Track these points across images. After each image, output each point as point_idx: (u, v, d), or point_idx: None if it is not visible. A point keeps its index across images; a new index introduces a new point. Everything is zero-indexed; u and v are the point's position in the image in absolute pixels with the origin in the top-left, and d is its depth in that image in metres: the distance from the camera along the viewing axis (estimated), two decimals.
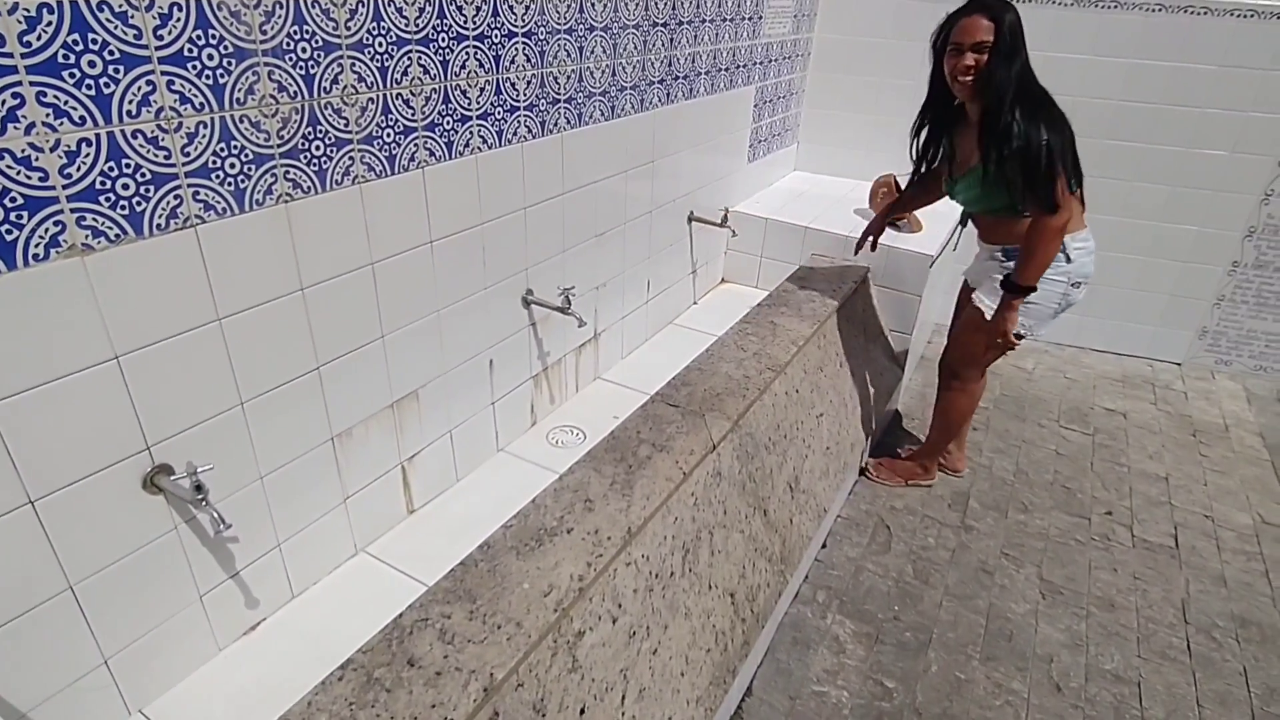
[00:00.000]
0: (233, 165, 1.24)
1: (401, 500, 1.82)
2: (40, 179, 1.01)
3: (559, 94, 1.96)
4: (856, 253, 2.66)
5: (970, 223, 2.38)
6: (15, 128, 0.97)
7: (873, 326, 2.95)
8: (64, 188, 1.04)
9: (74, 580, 1.19)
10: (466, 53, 1.62)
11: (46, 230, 1.03)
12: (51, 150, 1.01)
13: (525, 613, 1.30)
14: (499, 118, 1.77)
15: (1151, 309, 3.71)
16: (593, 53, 2.04)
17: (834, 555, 2.38)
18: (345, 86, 1.38)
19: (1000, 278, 2.19)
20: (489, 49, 1.68)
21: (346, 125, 1.41)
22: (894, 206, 2.64)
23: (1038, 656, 2.07)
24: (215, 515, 1.24)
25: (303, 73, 1.30)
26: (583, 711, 1.34)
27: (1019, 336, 2.21)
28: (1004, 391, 3.39)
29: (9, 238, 1.00)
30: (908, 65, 3.59)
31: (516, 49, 1.76)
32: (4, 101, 0.95)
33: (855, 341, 2.72)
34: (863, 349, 2.78)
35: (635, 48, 2.22)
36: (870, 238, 2.60)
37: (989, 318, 2.23)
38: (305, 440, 1.52)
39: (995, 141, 1.96)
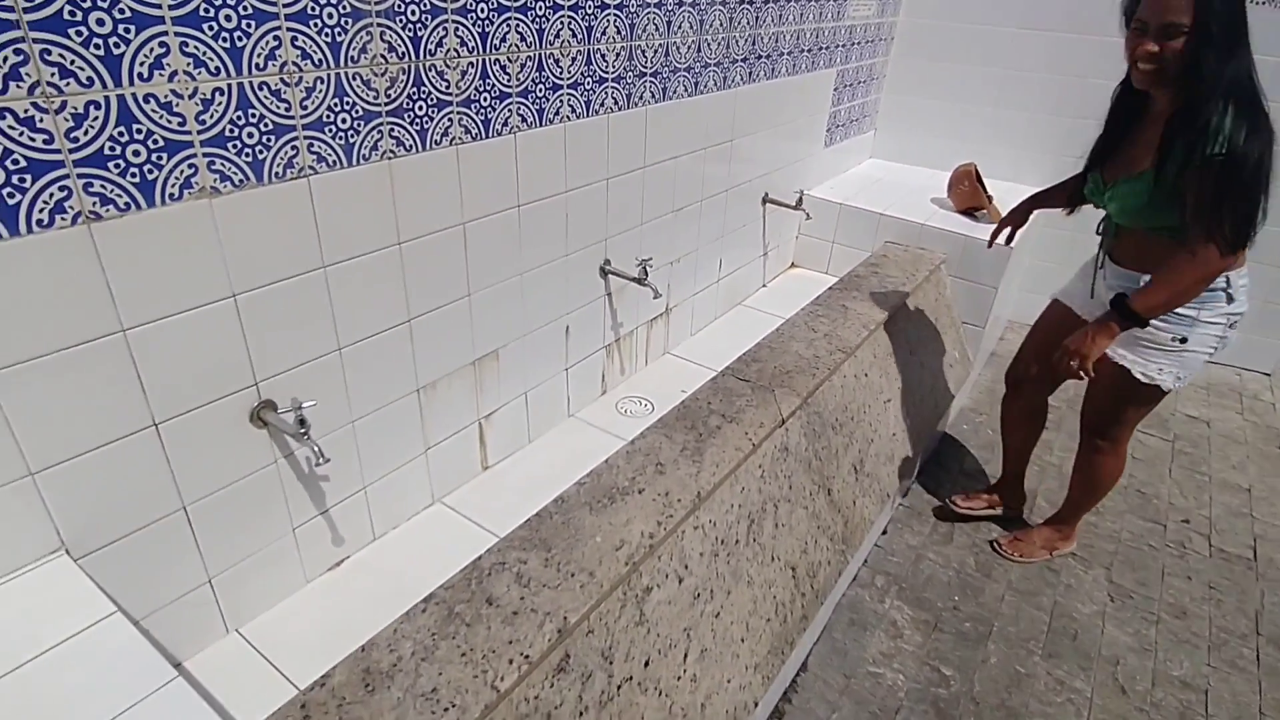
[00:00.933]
0: (344, 120, 1.31)
1: (477, 456, 1.89)
2: (179, 124, 1.09)
3: (645, 68, 1.98)
4: (990, 245, 2.27)
5: (1105, 240, 1.93)
6: (160, 74, 1.04)
7: (945, 317, 2.90)
8: (199, 133, 1.11)
9: (187, 501, 1.29)
10: (561, 22, 1.66)
11: (181, 172, 1.11)
12: (190, 98, 1.09)
13: (598, 564, 1.34)
14: (588, 88, 1.81)
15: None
16: (680, 28, 2.06)
17: (894, 542, 2.37)
18: (449, 50, 1.44)
19: (1159, 332, 1.79)
20: (582, 20, 1.72)
21: (448, 88, 1.46)
22: (1041, 198, 2.19)
23: (1103, 658, 2.02)
24: (316, 449, 1.32)
25: (411, 34, 1.36)
26: (647, 664, 1.38)
27: (1157, 388, 1.85)
28: (1078, 392, 3.28)
29: (150, 177, 1.08)
30: (996, 52, 3.49)
31: (608, 21, 1.79)
32: (156, 54, 1.03)
33: (927, 331, 2.68)
34: (934, 339, 2.74)
35: (721, 24, 2.23)
36: (1008, 229, 2.24)
37: (1138, 375, 1.84)
38: (394, 389, 1.59)
39: (1187, 142, 1.53)
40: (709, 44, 2.21)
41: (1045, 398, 2.35)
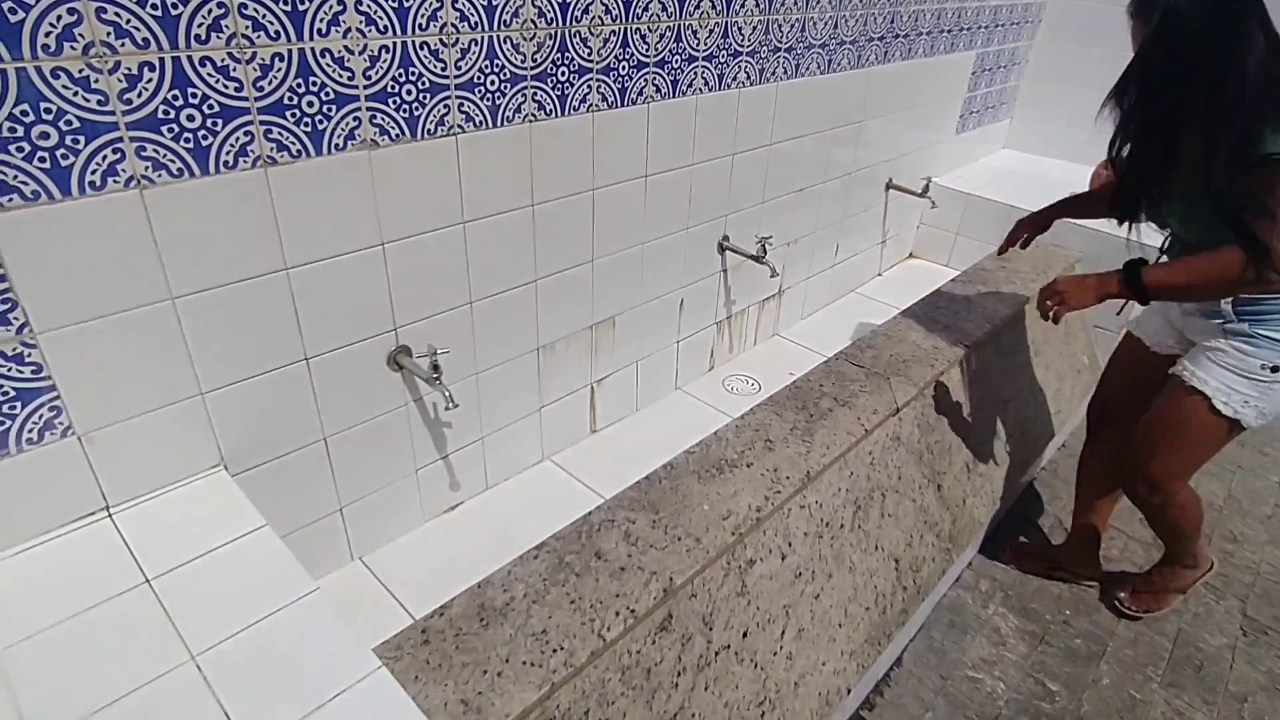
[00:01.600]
0: (492, 82, 1.36)
1: (587, 419, 1.94)
2: (348, 79, 1.16)
3: (780, 43, 1.95)
4: (1001, 252, 1.99)
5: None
6: (337, 30, 1.12)
7: (1075, 320, 2.73)
8: (364, 88, 1.19)
9: (328, 433, 1.39)
10: None
11: (347, 124, 1.19)
12: (360, 54, 1.16)
13: (704, 530, 1.36)
14: (722, 61, 1.80)
15: None
16: (819, 2, 2.01)
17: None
18: (594, 17, 1.46)
19: (1222, 348, 1.55)
20: None
21: (589, 54, 1.49)
22: (1068, 206, 1.90)
23: (1230, 693, 1.87)
24: (447, 394, 1.39)
25: (560, 0, 1.39)
26: (745, 635, 1.39)
27: (1235, 424, 1.57)
28: None
29: (320, 127, 1.16)
30: None
31: None
32: (335, 11, 1.10)
33: (1054, 332, 2.54)
34: (1061, 341, 2.59)
35: (860, 0, 2.16)
36: (1026, 234, 1.93)
37: (1219, 405, 1.56)
38: (517, 346, 1.66)
39: (1223, 149, 1.34)
40: (846, 20, 2.15)
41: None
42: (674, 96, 1.72)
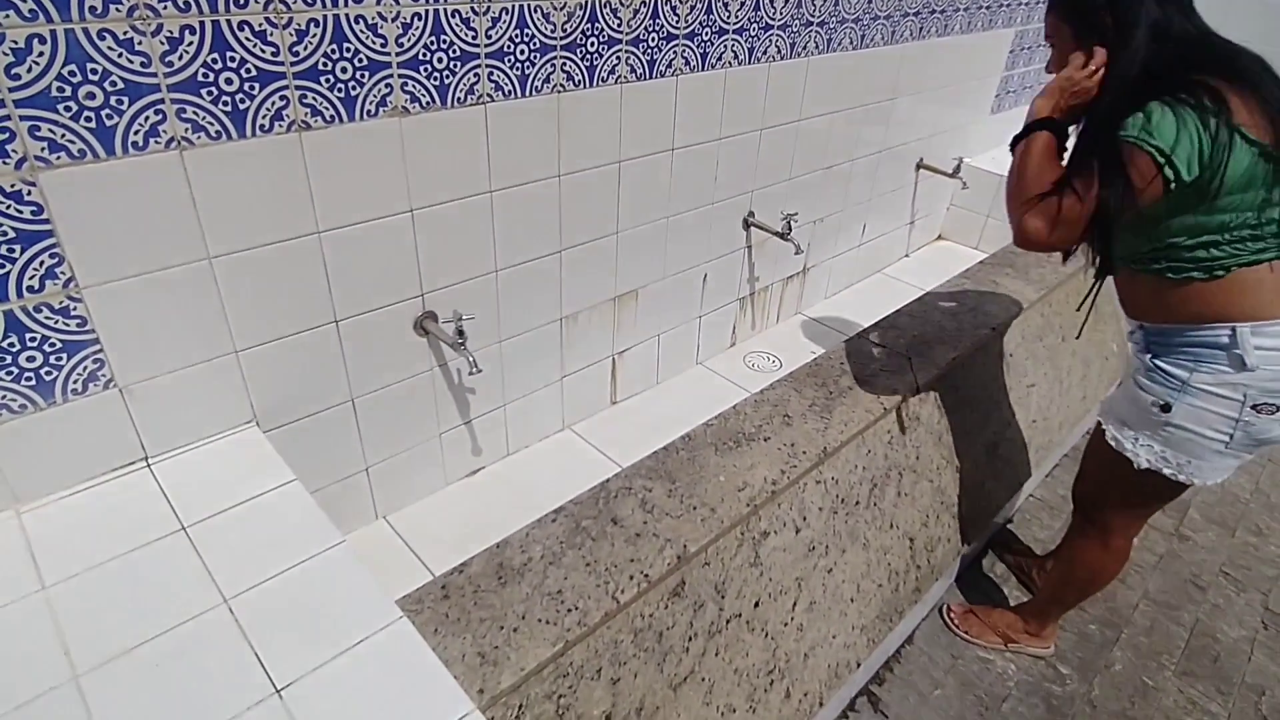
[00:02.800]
0: (522, 52, 1.37)
1: (607, 390, 1.97)
2: (381, 45, 1.18)
3: (813, 16, 1.93)
4: None
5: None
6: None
7: (1105, 306, 2.69)
8: (396, 55, 1.20)
9: (355, 395, 1.43)
10: None
11: (379, 91, 1.21)
12: (393, 20, 1.17)
13: (719, 501, 1.38)
14: (753, 34, 1.79)
15: None
16: None
17: (1021, 533, 2.26)
18: None
19: (1131, 381, 1.41)
20: None
21: (619, 25, 1.49)
22: None
23: (1246, 685, 1.87)
24: (471, 359, 1.42)
25: None
26: (757, 605, 1.42)
27: (1146, 469, 1.41)
28: None
29: (353, 93, 1.18)
30: (1209, 17, 3.12)
31: None
32: None
33: (1081, 318, 2.50)
34: (1090, 328, 2.55)
35: None
36: None
37: (1109, 437, 1.47)
38: (540, 315, 1.68)
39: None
40: None
41: None
42: (703, 69, 1.72)
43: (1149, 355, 1.37)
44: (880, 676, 1.80)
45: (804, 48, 1.95)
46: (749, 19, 1.76)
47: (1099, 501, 1.61)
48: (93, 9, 0.91)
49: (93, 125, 0.96)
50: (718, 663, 1.34)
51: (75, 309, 1.04)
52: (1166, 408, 1.34)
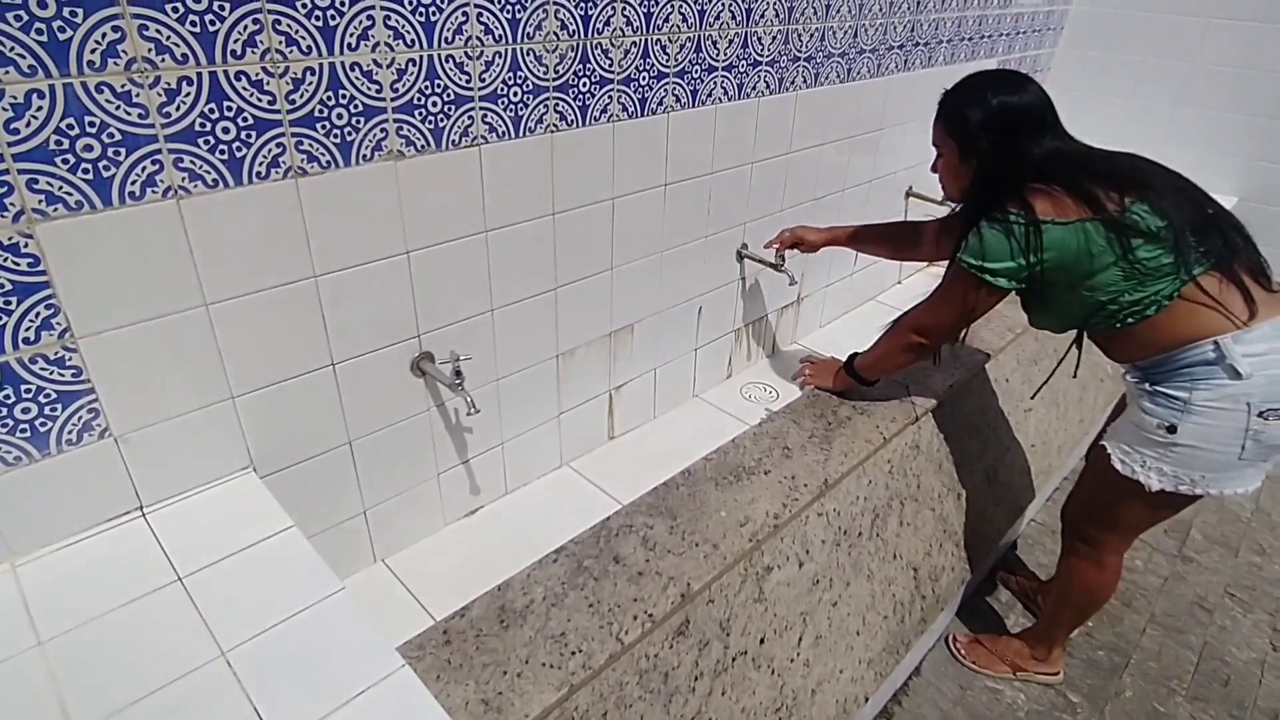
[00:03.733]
0: (515, 94, 1.38)
1: (605, 425, 1.96)
2: (376, 91, 1.19)
3: (800, 52, 1.97)
4: (767, 246, 2.06)
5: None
6: (366, 44, 1.15)
7: None
8: (392, 100, 1.22)
9: (353, 437, 1.42)
10: (723, 4, 1.68)
11: (374, 136, 1.22)
12: (387, 67, 1.19)
13: (721, 537, 1.37)
14: (742, 70, 1.82)
15: None
16: (838, 11, 2.02)
17: (1025, 558, 2.25)
18: (615, 29, 1.49)
19: (1134, 408, 1.49)
20: (743, 2, 1.73)
21: (610, 65, 1.52)
22: (862, 236, 2.04)
23: (1259, 709, 1.85)
24: (469, 400, 1.41)
25: (582, 13, 1.42)
26: (762, 641, 1.40)
27: (1155, 489, 1.46)
28: None
29: (348, 139, 1.19)
30: (1182, 44, 3.20)
31: (769, 3, 1.79)
32: (364, 26, 1.13)
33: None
34: (1087, 350, 2.57)
35: (880, 9, 2.17)
36: (783, 245, 2.05)
37: (1116, 463, 1.51)
38: (537, 353, 1.68)
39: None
40: (866, 29, 2.16)
41: None
42: (694, 106, 1.74)
43: (1147, 384, 1.43)
44: (889, 710, 1.77)
45: (792, 82, 1.99)
46: (737, 56, 1.79)
47: (1096, 523, 1.65)
48: (91, 63, 0.92)
49: (90, 177, 0.96)
50: (725, 702, 1.32)
51: (71, 359, 1.03)
52: (1172, 429, 1.39)
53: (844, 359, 1.82)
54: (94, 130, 0.95)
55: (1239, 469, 1.38)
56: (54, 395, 1.04)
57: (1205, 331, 1.32)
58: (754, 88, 1.88)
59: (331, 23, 1.10)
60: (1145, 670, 1.92)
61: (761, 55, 1.85)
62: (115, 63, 0.93)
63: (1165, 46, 3.26)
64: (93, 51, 0.92)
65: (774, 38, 1.86)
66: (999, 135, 1.46)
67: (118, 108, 0.95)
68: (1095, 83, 3.47)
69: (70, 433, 1.07)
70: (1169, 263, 1.33)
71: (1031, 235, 1.37)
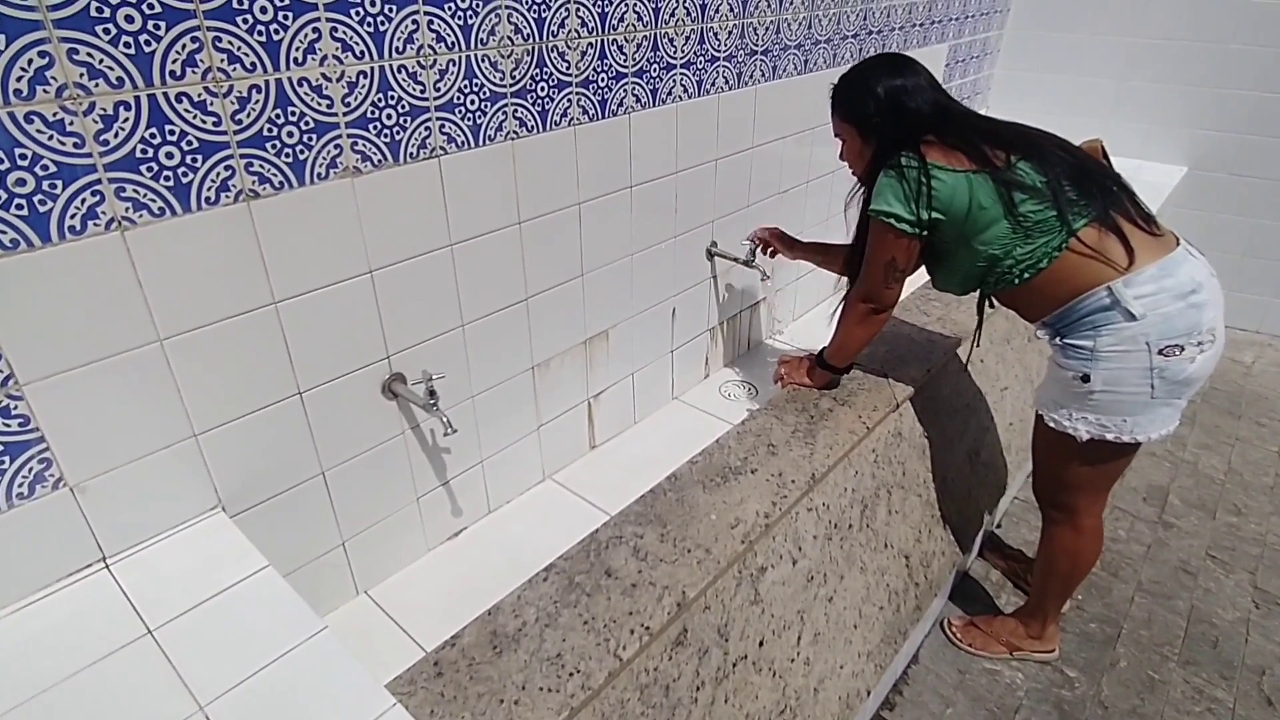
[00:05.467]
0: (472, 102, 1.34)
1: (585, 435, 1.92)
2: (327, 106, 1.15)
3: (757, 45, 1.95)
4: (749, 241, 2.09)
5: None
6: (313, 58, 1.10)
7: None
8: (344, 115, 1.17)
9: (325, 467, 1.36)
10: (676, 0, 1.66)
11: (328, 153, 1.17)
12: (338, 81, 1.14)
13: (714, 541, 1.34)
14: (700, 67, 1.80)
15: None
16: (792, 3, 2.01)
17: (1010, 536, 2.27)
18: (570, 30, 1.45)
19: (1052, 365, 1.53)
20: None
21: (568, 69, 1.48)
22: (813, 250, 2.02)
23: (1247, 667, 1.87)
24: (445, 420, 1.37)
25: (535, 16, 1.38)
26: (761, 644, 1.38)
27: (1093, 441, 1.49)
28: (1215, 385, 3.05)
29: (301, 157, 1.14)
30: (1125, 19, 3.27)
31: None
32: (310, 40, 1.08)
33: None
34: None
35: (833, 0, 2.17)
36: (761, 244, 2.06)
37: (1048, 421, 1.55)
38: (511, 366, 1.64)
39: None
40: (820, 20, 2.15)
41: None
42: (654, 105, 1.71)
43: (1058, 338, 1.48)
44: (890, 701, 1.76)
45: (750, 77, 1.97)
46: (695, 53, 1.77)
47: (1059, 487, 1.67)
48: (18, 92, 0.86)
49: (24, 213, 0.90)
50: (728, 709, 1.29)
51: (16, 408, 0.97)
52: (1086, 378, 1.44)
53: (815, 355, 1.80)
54: (25, 163, 0.89)
55: (1155, 409, 1.43)
56: (0, 447, 0.97)
57: (1096, 280, 1.37)
58: (713, 84, 1.86)
59: (275, 37, 1.05)
60: (1137, 639, 1.94)
61: (719, 50, 1.84)
62: (45, 90, 0.88)
63: (1108, 23, 3.32)
64: (19, 79, 0.86)
65: (730, 32, 1.84)
66: (890, 111, 1.50)
67: (50, 137, 0.90)
68: (1043, 62, 3.53)
69: (21, 486, 1.00)
70: (1052, 215, 1.39)
71: (923, 180, 1.42)
